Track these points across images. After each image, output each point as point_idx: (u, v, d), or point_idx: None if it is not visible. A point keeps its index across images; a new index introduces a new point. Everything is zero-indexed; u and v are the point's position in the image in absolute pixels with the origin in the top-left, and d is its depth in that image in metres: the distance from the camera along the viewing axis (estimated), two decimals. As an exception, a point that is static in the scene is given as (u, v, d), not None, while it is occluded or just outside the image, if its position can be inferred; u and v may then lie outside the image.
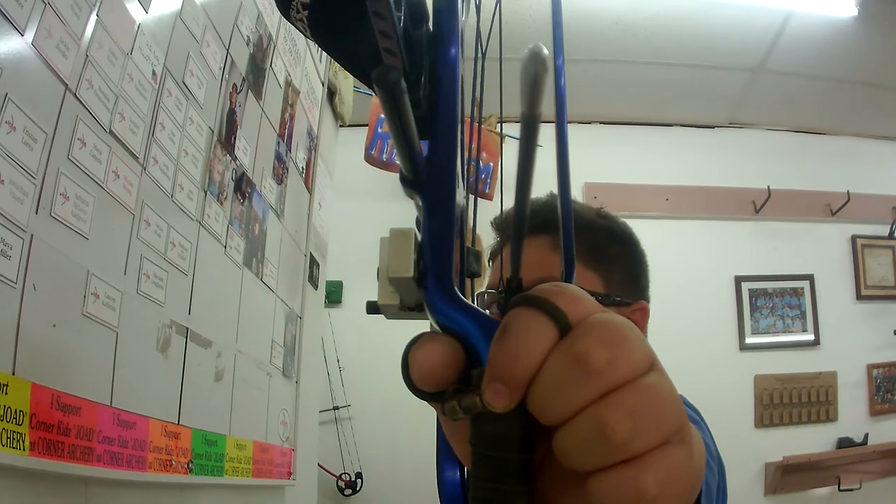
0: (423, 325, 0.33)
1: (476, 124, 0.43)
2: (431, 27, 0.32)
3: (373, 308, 0.34)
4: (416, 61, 0.31)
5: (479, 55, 0.41)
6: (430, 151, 0.31)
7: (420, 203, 0.31)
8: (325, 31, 0.39)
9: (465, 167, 0.38)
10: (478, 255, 0.40)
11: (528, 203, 0.32)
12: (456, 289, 0.30)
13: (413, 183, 0.31)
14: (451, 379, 0.30)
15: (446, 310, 0.30)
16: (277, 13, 1.63)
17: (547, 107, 0.29)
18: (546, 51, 0.26)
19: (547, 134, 0.29)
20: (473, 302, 0.32)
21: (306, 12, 0.39)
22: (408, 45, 0.31)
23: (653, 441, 0.26)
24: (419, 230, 0.31)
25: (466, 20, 0.36)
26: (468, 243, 0.37)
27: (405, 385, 0.30)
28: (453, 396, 0.29)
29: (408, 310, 0.33)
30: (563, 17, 0.38)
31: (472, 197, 0.44)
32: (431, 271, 0.30)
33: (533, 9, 2.83)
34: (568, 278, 0.36)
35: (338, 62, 0.41)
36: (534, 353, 0.27)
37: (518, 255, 0.35)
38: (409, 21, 0.31)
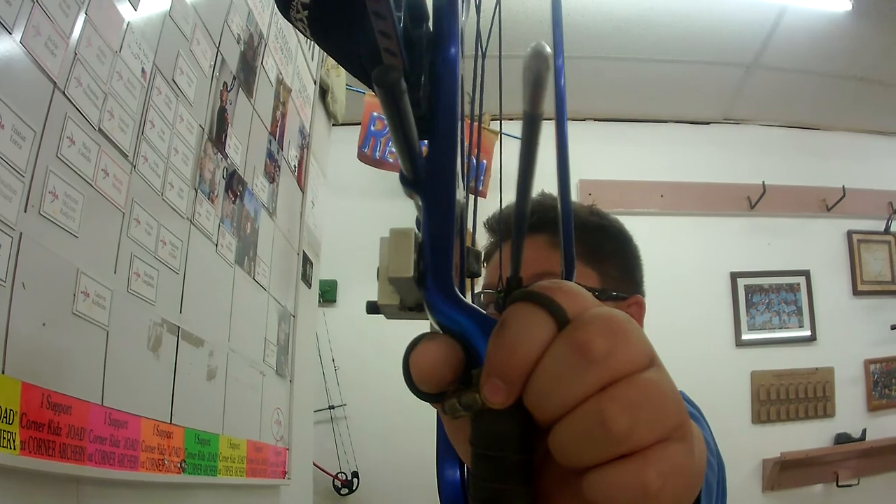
0: (422, 325, 0.33)
1: (475, 124, 0.42)
2: (431, 27, 0.32)
3: (373, 308, 0.34)
4: (416, 61, 0.31)
5: (479, 54, 0.41)
6: (430, 151, 0.31)
7: (420, 203, 0.31)
8: (325, 31, 0.39)
9: (465, 167, 0.38)
10: (478, 255, 0.40)
11: (529, 201, 0.32)
12: (456, 289, 0.30)
13: (413, 183, 0.31)
14: (451, 378, 0.30)
15: (446, 310, 0.30)
16: (269, 11, 1.63)
17: (546, 105, 0.29)
18: (548, 49, 0.26)
19: (544, 131, 0.29)
20: (472, 302, 0.32)
21: (306, 12, 0.38)
22: (408, 45, 0.30)
23: (653, 436, 0.26)
24: (419, 230, 0.31)
25: (466, 20, 0.36)
26: (468, 243, 0.37)
27: (407, 386, 0.30)
28: (453, 395, 0.29)
29: (408, 310, 0.32)
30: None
31: (471, 197, 0.44)
32: (431, 271, 0.30)
33: (532, 8, 2.83)
34: (568, 276, 0.36)
35: (337, 62, 0.41)
36: (531, 348, 0.27)
37: (518, 254, 0.35)
38: (409, 21, 0.31)
